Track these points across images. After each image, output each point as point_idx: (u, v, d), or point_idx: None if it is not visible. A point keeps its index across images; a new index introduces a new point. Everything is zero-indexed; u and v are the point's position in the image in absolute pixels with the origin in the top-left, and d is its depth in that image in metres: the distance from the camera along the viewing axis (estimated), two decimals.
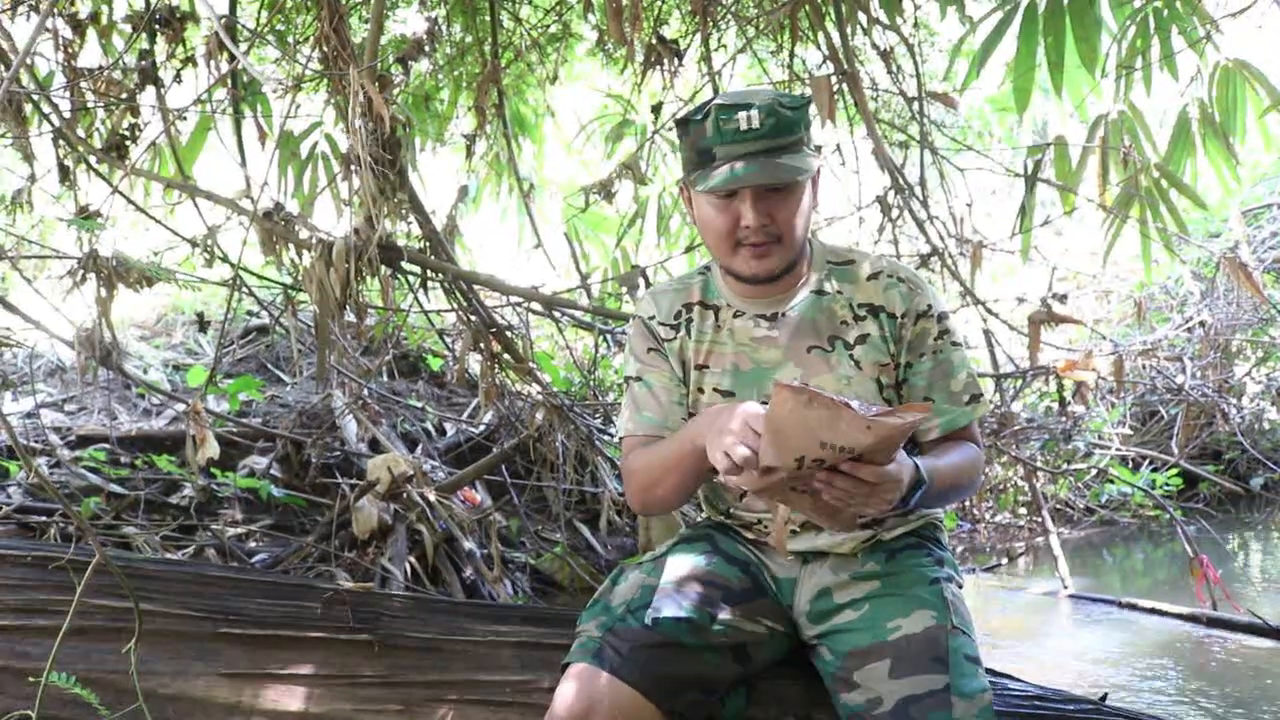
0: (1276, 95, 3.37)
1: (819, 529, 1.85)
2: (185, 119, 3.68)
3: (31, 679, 1.83)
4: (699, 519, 2.12)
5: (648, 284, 3.82)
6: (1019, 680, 2.11)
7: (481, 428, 5.05)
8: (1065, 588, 4.65)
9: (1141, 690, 3.32)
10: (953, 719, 1.58)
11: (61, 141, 3.41)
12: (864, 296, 1.85)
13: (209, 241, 3.35)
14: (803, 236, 1.81)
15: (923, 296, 1.85)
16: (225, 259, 3.45)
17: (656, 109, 4.04)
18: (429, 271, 3.54)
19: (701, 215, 1.80)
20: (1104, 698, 2.14)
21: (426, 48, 3.79)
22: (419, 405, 5.23)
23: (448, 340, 5.30)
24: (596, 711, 1.61)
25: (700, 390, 1.89)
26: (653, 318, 1.94)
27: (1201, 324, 6.06)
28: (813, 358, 1.83)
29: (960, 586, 1.86)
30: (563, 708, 1.62)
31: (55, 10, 3.12)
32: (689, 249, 4.41)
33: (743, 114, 1.69)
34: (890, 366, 1.83)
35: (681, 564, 1.84)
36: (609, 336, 4.22)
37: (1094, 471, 6.18)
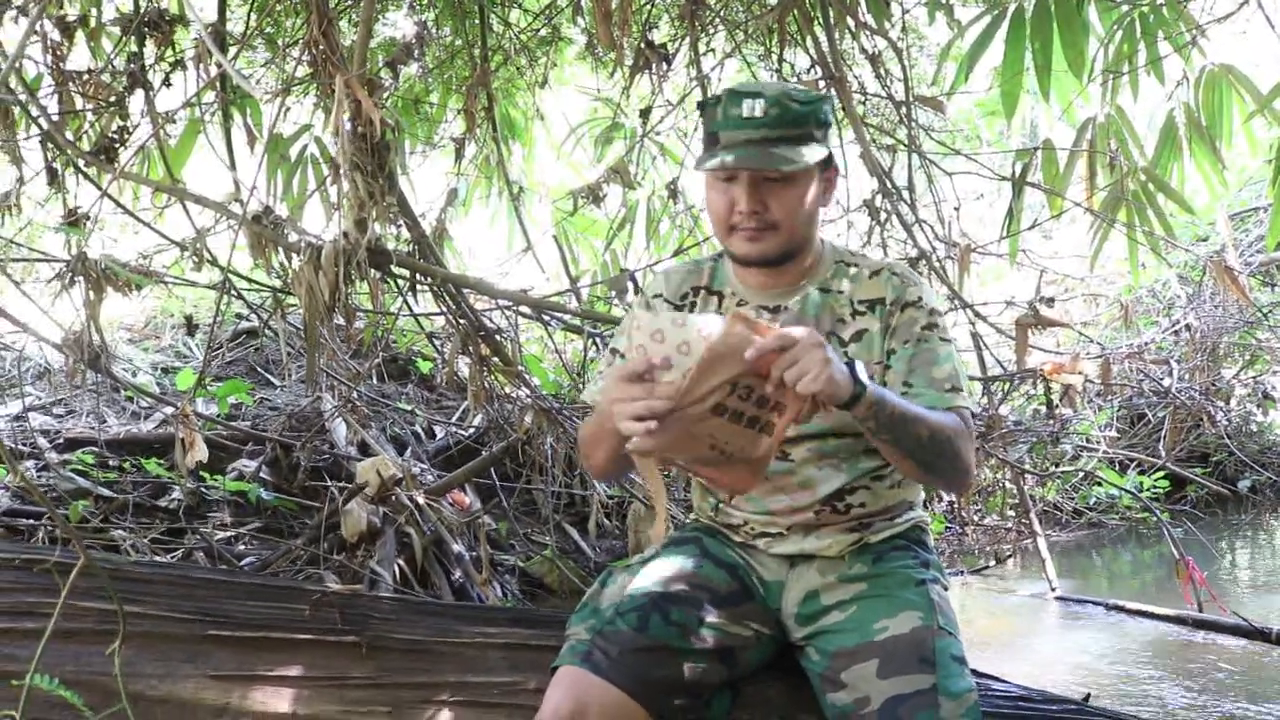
0: (1262, 99, 3.40)
1: (806, 532, 1.86)
2: (174, 122, 3.67)
3: (15, 682, 1.83)
4: (688, 521, 2.13)
5: (636, 288, 3.83)
6: (1002, 681, 2.13)
7: (471, 431, 5.04)
8: (1053, 590, 4.68)
9: (1127, 691, 3.34)
10: (939, 718, 1.59)
11: (50, 144, 3.40)
12: (864, 293, 1.87)
13: (198, 245, 3.34)
14: (804, 228, 1.82)
15: (914, 289, 1.86)
16: (214, 262, 3.45)
17: (645, 113, 4.06)
18: (418, 275, 3.54)
19: (706, 195, 1.84)
20: (1087, 698, 2.16)
21: (416, 51, 3.79)
22: (408, 408, 5.22)
23: (437, 343, 5.30)
24: (585, 714, 1.62)
25: None
26: (658, 295, 1.97)
27: (1188, 327, 6.10)
28: None
29: (946, 589, 1.88)
30: (551, 710, 1.63)
31: (44, 13, 3.11)
32: (678, 252, 4.42)
33: (748, 102, 1.73)
34: (883, 363, 1.84)
35: (669, 567, 1.85)
36: (598, 340, 4.22)
37: (1081, 474, 6.21)
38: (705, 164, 1.75)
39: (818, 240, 1.91)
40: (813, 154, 1.75)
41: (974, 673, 1.74)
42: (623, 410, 1.50)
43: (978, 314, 4.01)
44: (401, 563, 3.72)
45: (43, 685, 1.79)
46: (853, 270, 1.90)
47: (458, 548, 3.90)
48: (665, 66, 3.81)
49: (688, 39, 3.91)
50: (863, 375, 1.58)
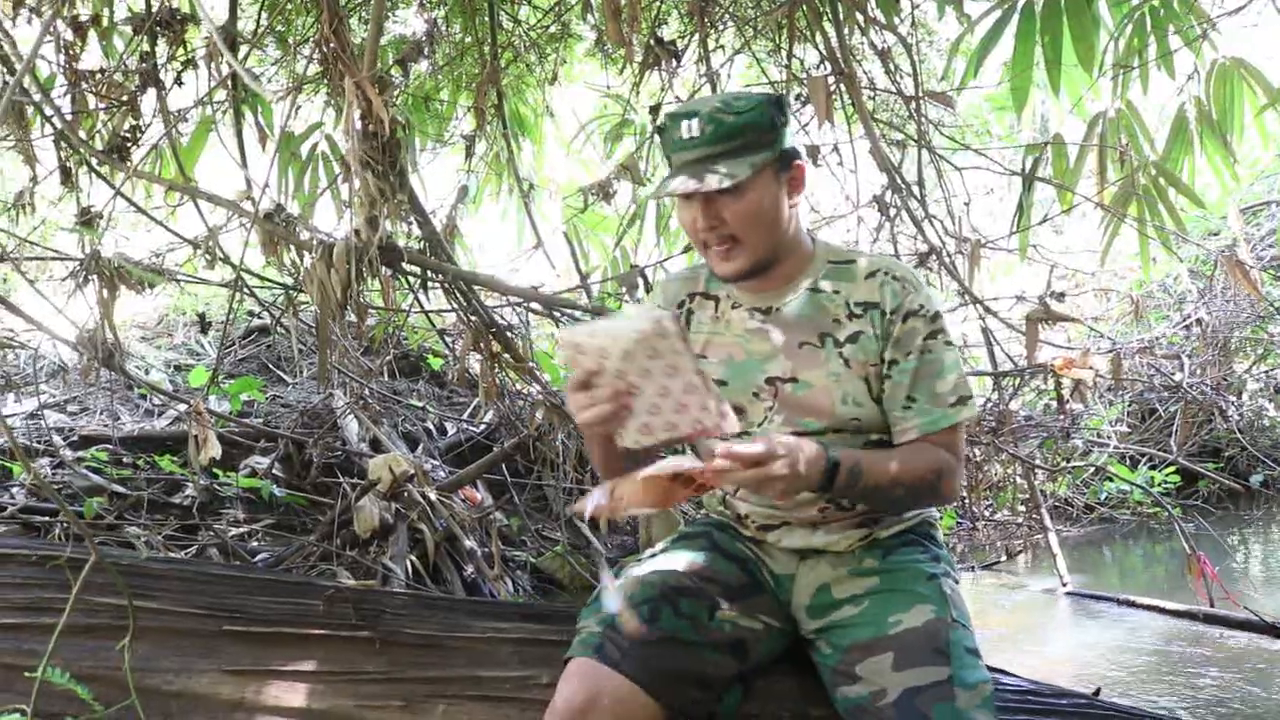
0: (1273, 93, 3.39)
1: (813, 527, 1.87)
2: (186, 121, 3.69)
3: (27, 674, 1.85)
4: (698, 516, 2.14)
5: (647, 284, 3.84)
6: (1012, 675, 2.13)
7: (482, 427, 5.06)
8: (1064, 585, 4.67)
9: (1138, 686, 3.34)
10: (956, 708, 1.60)
11: (63, 144, 3.43)
12: (860, 295, 1.86)
13: (210, 243, 3.36)
14: (769, 234, 1.81)
15: (915, 295, 1.84)
16: (226, 260, 3.47)
17: (655, 109, 4.05)
18: (429, 272, 3.55)
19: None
20: (1097, 692, 2.16)
21: (426, 49, 3.80)
22: (420, 405, 5.24)
23: (448, 340, 5.32)
24: (598, 705, 1.63)
25: None
26: (659, 306, 1.98)
27: (1199, 322, 6.08)
28: (804, 353, 1.85)
29: (957, 582, 1.88)
30: (564, 701, 1.64)
31: (58, 15, 3.13)
32: (687, 249, 4.42)
33: (685, 123, 1.74)
34: (878, 365, 1.84)
35: (681, 561, 1.86)
36: None
37: (1092, 469, 6.19)
38: (658, 190, 1.78)
39: (803, 239, 1.89)
40: (756, 162, 1.74)
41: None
42: (582, 418, 1.57)
43: (988, 309, 4.01)
44: (413, 558, 3.74)
45: (53, 679, 1.81)
46: (845, 268, 1.89)
47: (469, 543, 3.92)
48: (675, 63, 3.81)
49: (697, 35, 3.91)
50: (840, 468, 1.66)
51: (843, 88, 3.71)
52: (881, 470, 1.73)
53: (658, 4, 4.25)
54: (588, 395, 1.55)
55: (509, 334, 3.86)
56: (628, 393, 1.53)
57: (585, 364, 1.54)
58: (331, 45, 2.96)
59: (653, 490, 1.52)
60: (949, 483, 1.82)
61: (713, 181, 1.71)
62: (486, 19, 4.18)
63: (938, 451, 1.81)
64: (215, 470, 4.04)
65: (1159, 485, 6.12)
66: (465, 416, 5.32)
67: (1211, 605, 4.00)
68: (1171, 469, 6.25)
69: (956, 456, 1.84)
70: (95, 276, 3.13)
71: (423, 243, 3.55)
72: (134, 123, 3.46)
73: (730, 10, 4.15)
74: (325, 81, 3.39)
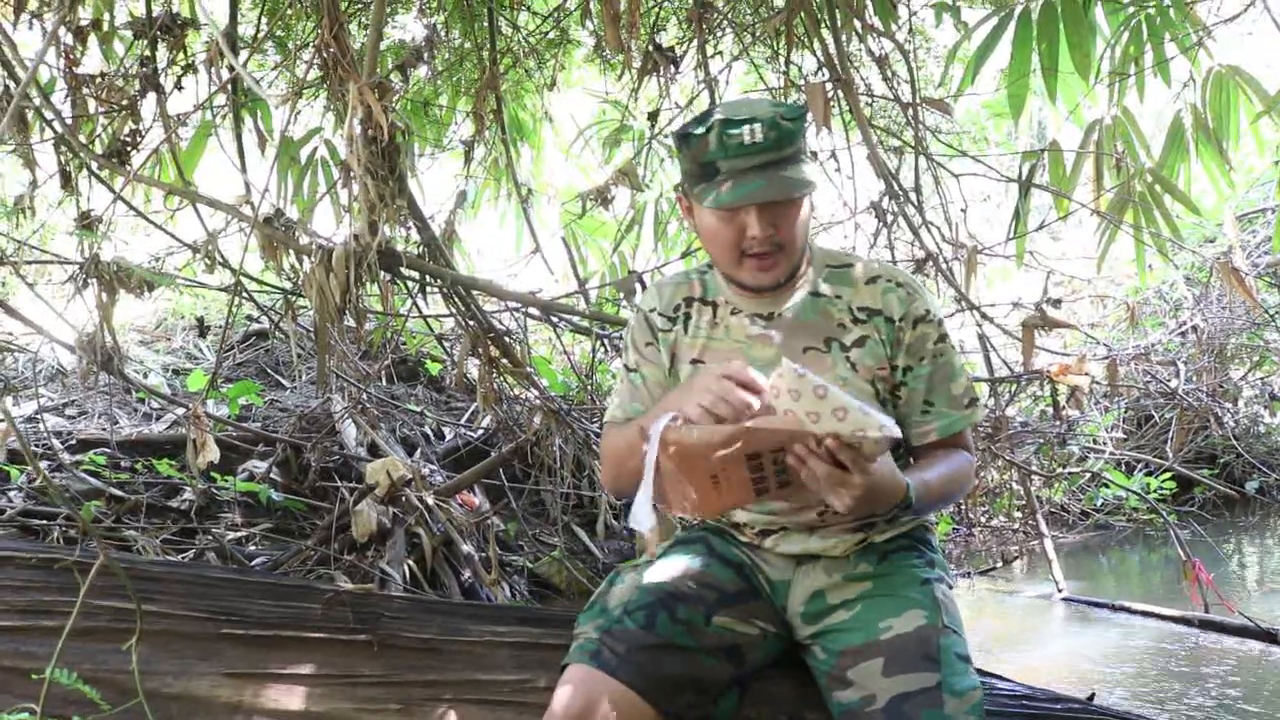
0: (1268, 100, 3.40)
1: (810, 532, 1.88)
2: (186, 125, 3.70)
3: (34, 676, 1.85)
4: (694, 522, 2.15)
5: (644, 289, 3.85)
6: (1007, 680, 2.14)
7: (480, 432, 5.07)
8: (1059, 591, 4.68)
9: (1133, 691, 3.35)
10: (944, 715, 1.61)
11: (63, 148, 3.44)
12: (862, 300, 1.88)
13: (210, 247, 3.37)
14: (804, 243, 1.84)
15: (921, 301, 1.87)
16: (226, 264, 3.47)
17: (653, 115, 4.07)
18: (428, 277, 3.56)
19: (705, 227, 1.81)
20: (1091, 697, 2.17)
21: (425, 54, 3.81)
22: (418, 410, 5.25)
23: (446, 345, 5.32)
24: (595, 711, 1.63)
25: None
26: (653, 310, 1.98)
27: (1195, 328, 6.09)
28: (808, 358, 1.86)
29: (951, 587, 1.89)
30: (561, 707, 1.65)
31: (62, 22, 3.14)
32: (685, 254, 4.43)
33: (747, 128, 1.70)
34: (887, 370, 1.86)
35: (677, 566, 1.87)
36: (606, 341, 4.24)
37: (1088, 475, 6.21)
38: (722, 199, 1.72)
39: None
40: (811, 170, 1.76)
41: (979, 671, 1.76)
42: (714, 389, 1.57)
43: (985, 315, 4.02)
44: (411, 563, 3.74)
45: (63, 680, 1.81)
46: (844, 273, 1.91)
47: (467, 548, 3.92)
48: (673, 69, 3.82)
49: (695, 41, 3.93)
50: (913, 492, 1.66)
51: (840, 94, 3.73)
52: (934, 489, 1.77)
53: (656, 10, 4.27)
54: (740, 398, 1.56)
55: (507, 339, 3.87)
56: (752, 436, 1.52)
57: (780, 404, 1.51)
58: (332, 50, 2.97)
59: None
60: (969, 483, 1.92)
61: (795, 188, 1.71)
62: (486, 25, 4.20)
63: (961, 454, 1.88)
64: (213, 474, 4.04)
65: (1154, 491, 6.14)
66: (463, 421, 5.33)
67: (1207, 611, 4.02)
68: (1167, 475, 6.26)
69: (972, 455, 1.93)
70: (94, 280, 3.13)
71: (421, 248, 3.56)
72: (134, 127, 3.47)
73: (729, 17, 4.16)
74: (325, 86, 3.40)
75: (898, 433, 1.50)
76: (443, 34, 4.33)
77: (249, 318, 5.90)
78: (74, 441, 4.30)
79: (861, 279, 1.90)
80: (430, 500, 3.84)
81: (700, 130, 1.75)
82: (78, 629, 1.89)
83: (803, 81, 4.08)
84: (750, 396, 1.56)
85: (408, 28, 4.68)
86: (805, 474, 1.52)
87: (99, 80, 3.46)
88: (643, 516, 1.56)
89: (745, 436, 1.51)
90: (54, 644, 1.85)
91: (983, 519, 6.08)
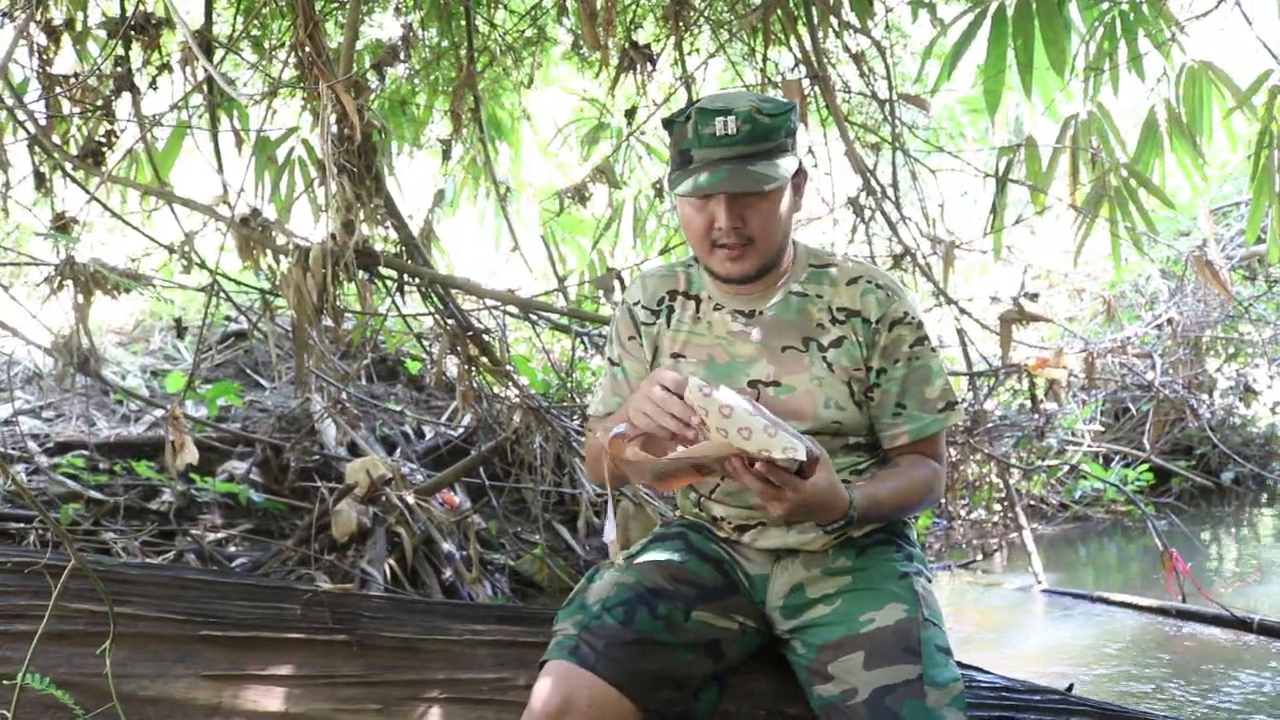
0: (1240, 95, 3.43)
1: (789, 527, 1.88)
2: (162, 125, 3.68)
3: (6, 681, 1.84)
4: (673, 517, 2.15)
5: (623, 287, 3.85)
6: (986, 672, 2.16)
7: (460, 430, 5.06)
8: (1039, 583, 4.71)
9: (1112, 682, 3.38)
10: (926, 707, 1.61)
11: (37, 148, 3.41)
12: (842, 300, 1.88)
13: (186, 247, 3.35)
14: (781, 239, 1.84)
15: (899, 303, 1.87)
16: (203, 265, 3.46)
17: (631, 113, 4.07)
18: (406, 275, 3.56)
19: (681, 214, 1.84)
20: (1070, 688, 2.18)
21: (402, 53, 3.80)
22: (397, 409, 5.24)
23: (425, 344, 5.31)
24: (574, 707, 1.64)
25: None
26: (637, 303, 1.99)
27: (1170, 321, 6.13)
28: (786, 357, 1.87)
29: (930, 581, 1.90)
30: (540, 704, 1.65)
31: (31, 19, 3.11)
32: (664, 251, 4.43)
33: (720, 120, 1.71)
34: (862, 372, 1.86)
35: (656, 562, 1.87)
36: (586, 339, 4.24)
37: (1067, 468, 6.25)
38: (681, 187, 1.74)
39: (790, 243, 1.92)
40: (787, 166, 1.76)
41: (959, 664, 1.77)
42: (646, 411, 1.59)
43: (963, 310, 4.05)
44: (392, 562, 3.74)
45: (35, 685, 1.80)
46: (826, 273, 1.92)
47: (448, 547, 3.92)
48: (650, 66, 3.82)
49: (672, 39, 3.93)
50: (856, 508, 1.68)
51: (817, 91, 3.74)
52: (890, 504, 1.80)
53: (633, 7, 4.27)
54: (682, 408, 1.56)
55: (486, 337, 3.86)
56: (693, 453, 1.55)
57: (711, 421, 1.53)
58: (307, 49, 2.96)
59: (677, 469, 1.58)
60: (939, 490, 1.91)
61: (757, 182, 1.71)
62: (463, 23, 4.18)
63: (929, 464, 1.88)
64: (192, 475, 4.03)
65: (1132, 483, 6.18)
66: (443, 420, 5.32)
67: (1184, 601, 4.05)
68: (1144, 467, 6.31)
69: (942, 462, 1.92)
70: (70, 282, 3.11)
71: (399, 246, 3.55)
72: (109, 127, 3.45)
73: (705, 14, 4.16)
74: (301, 86, 3.38)
75: (803, 455, 1.50)
76: (419, 32, 4.31)
77: (227, 318, 5.87)
78: (51, 444, 4.27)
79: (842, 279, 1.90)
80: (410, 499, 3.84)
81: (682, 118, 1.77)
82: (52, 633, 1.88)
83: (780, 78, 4.08)
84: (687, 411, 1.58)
85: (384, 26, 4.66)
86: (741, 485, 1.56)
87: (73, 80, 3.44)
88: (608, 530, 1.67)
89: (674, 465, 1.57)
90: (28, 649, 1.84)
91: (962, 512, 6.11)
